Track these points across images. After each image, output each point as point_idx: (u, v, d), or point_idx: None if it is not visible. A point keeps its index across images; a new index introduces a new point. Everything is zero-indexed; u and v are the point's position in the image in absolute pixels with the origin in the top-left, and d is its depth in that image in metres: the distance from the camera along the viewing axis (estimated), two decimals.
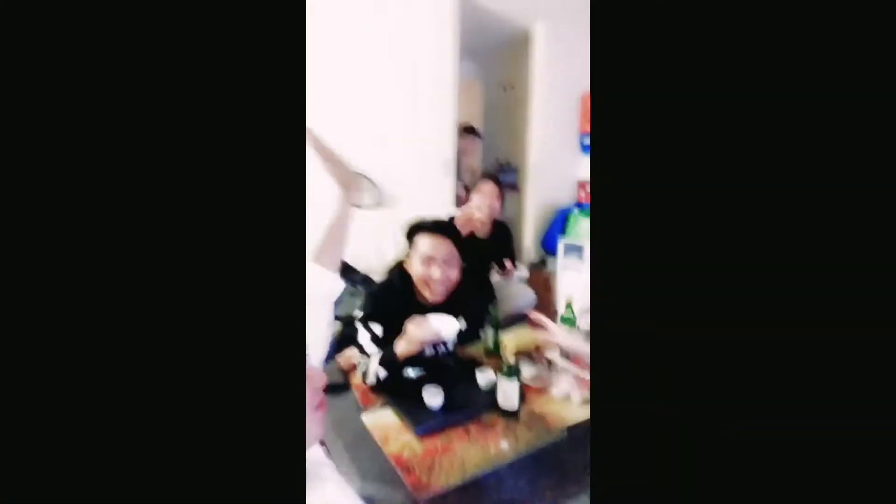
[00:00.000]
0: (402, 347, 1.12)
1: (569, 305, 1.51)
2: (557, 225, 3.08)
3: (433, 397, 1.03)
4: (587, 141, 3.28)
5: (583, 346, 1.17)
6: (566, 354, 1.35)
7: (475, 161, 3.10)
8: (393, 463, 0.87)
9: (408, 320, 1.14)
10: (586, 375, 1.22)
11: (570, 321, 1.49)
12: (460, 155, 2.90)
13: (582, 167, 3.36)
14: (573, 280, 1.67)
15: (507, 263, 2.02)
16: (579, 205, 3.18)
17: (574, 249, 2.92)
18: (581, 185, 3.37)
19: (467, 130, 3.00)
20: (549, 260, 3.14)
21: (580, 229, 2.91)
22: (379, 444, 0.93)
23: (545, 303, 2.87)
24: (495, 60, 3.69)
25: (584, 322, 1.46)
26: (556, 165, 3.23)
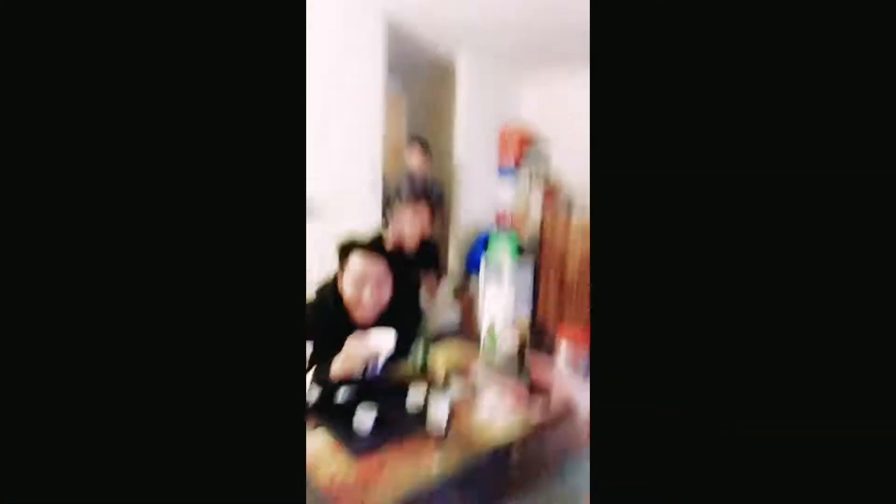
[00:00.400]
0: (339, 366, 1.11)
1: (491, 326, 1.60)
2: (479, 246, 3.23)
3: (365, 418, 1.03)
4: (505, 169, 3.51)
5: (579, 390, 1.23)
6: (491, 372, 1.43)
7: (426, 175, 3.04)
8: (325, 488, 0.85)
9: (349, 337, 1.13)
10: (509, 391, 1.30)
11: (492, 342, 1.57)
12: (408, 168, 2.84)
13: (501, 192, 3.58)
14: (495, 301, 1.76)
15: (432, 279, 2.08)
16: (497, 228, 3.37)
17: (495, 269, 3.08)
18: (498, 210, 3.58)
19: (417, 142, 2.84)
20: (472, 280, 3.27)
21: (500, 250, 3.09)
22: (310, 468, 0.90)
23: (468, 322, 2.97)
24: (420, 82, 3.81)
25: (504, 342, 1.55)
26: (479, 190, 3.41)
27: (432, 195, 2.76)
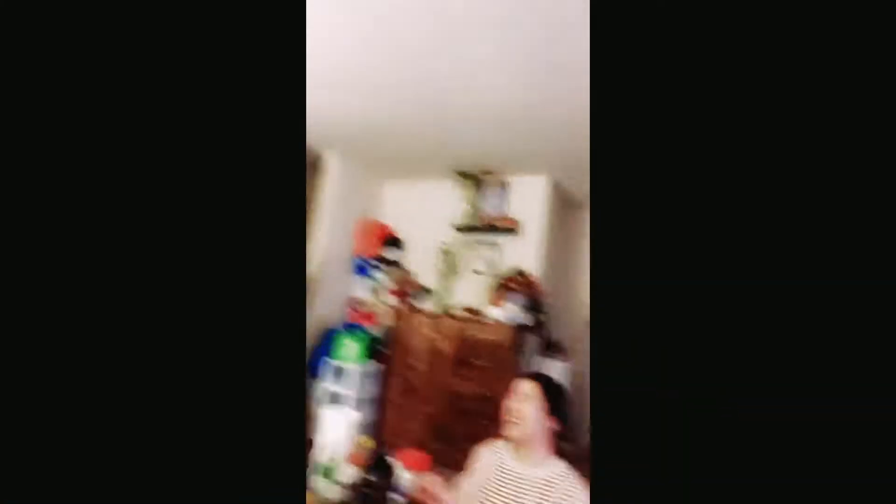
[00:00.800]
0: None
1: (328, 452, 1.43)
2: (324, 345, 3.02)
3: None
4: (361, 263, 3.49)
5: None
6: None
7: None
8: None
9: None
10: None
11: (329, 471, 1.40)
12: None
13: (354, 287, 3.51)
14: (336, 419, 1.61)
15: None
16: (348, 325, 3.23)
17: (340, 372, 2.88)
18: (351, 304, 3.48)
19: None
20: (312, 383, 2.98)
21: (346, 351, 2.93)
22: None
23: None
24: None
25: (343, 474, 1.39)
26: (331, 283, 3.28)
27: None
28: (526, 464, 1.13)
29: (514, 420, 1.12)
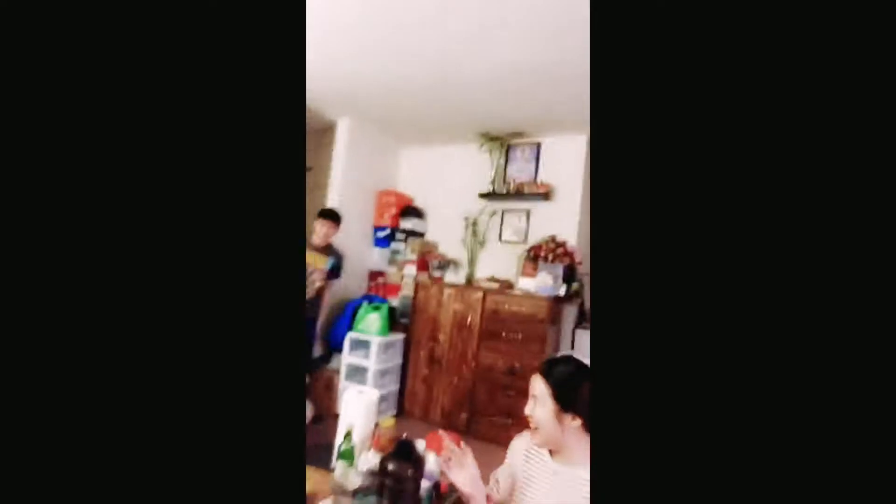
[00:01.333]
0: None
1: (348, 434, 1.33)
2: (346, 318, 2.93)
3: None
4: (381, 234, 3.37)
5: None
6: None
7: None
8: None
9: None
10: None
11: (348, 456, 1.30)
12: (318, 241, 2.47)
13: (373, 259, 3.39)
14: (357, 399, 1.50)
15: None
16: (369, 297, 3.14)
17: (362, 345, 2.81)
18: (371, 275, 3.38)
19: (328, 213, 2.50)
20: (335, 356, 2.93)
21: (368, 323, 2.84)
22: None
23: (324, 409, 2.58)
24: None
25: (365, 459, 1.29)
26: (350, 255, 3.17)
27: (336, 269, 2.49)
28: (562, 461, 1.04)
29: (533, 426, 1.03)
